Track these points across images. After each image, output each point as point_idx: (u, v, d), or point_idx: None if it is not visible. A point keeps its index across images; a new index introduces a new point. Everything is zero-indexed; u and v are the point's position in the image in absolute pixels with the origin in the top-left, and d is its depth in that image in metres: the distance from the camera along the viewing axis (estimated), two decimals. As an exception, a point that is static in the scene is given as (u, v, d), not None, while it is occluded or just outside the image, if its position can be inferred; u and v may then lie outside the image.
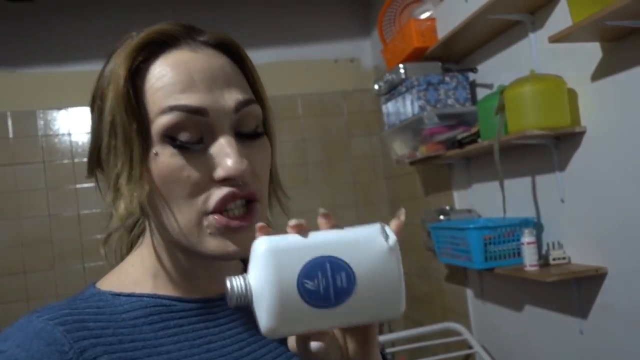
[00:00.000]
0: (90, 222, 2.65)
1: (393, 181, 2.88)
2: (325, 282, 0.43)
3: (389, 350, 2.15)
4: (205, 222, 0.53)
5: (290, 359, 0.63)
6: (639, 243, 1.34)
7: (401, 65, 2.04)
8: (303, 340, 0.45)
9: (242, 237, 0.54)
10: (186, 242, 0.55)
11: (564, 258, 1.57)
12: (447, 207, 2.17)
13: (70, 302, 0.55)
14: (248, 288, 0.44)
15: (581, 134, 1.50)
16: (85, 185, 2.66)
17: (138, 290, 0.58)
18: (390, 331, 2.77)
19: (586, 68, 1.46)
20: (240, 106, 0.54)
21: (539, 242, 1.67)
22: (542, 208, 1.70)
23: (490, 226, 1.72)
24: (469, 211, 2.05)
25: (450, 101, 1.96)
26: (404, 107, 2.09)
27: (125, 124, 0.52)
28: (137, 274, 0.59)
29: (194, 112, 0.52)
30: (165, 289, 0.59)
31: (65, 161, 2.67)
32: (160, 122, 0.52)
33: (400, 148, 2.20)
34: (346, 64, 3.01)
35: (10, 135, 2.62)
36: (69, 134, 2.68)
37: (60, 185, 2.65)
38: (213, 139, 0.53)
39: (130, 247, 0.66)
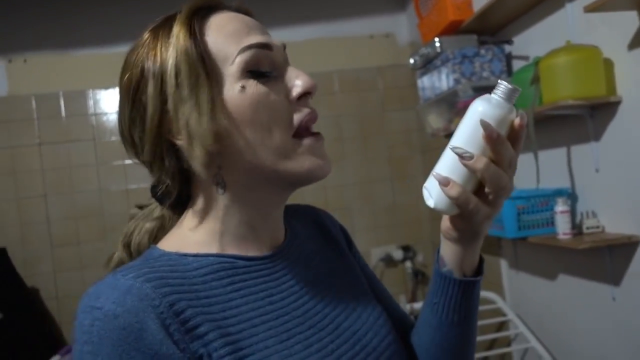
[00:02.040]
0: (137, 196, 2.79)
1: (428, 155, 2.91)
2: None
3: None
4: (297, 143, 0.62)
5: (333, 307, 0.69)
6: (673, 210, 1.36)
7: (437, 39, 2.06)
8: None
9: (326, 155, 0.65)
10: (282, 167, 0.62)
11: (597, 227, 1.60)
12: (482, 179, 2.20)
13: (144, 262, 0.60)
14: None
15: (617, 103, 1.51)
16: (132, 161, 2.80)
17: (202, 250, 0.63)
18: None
19: (623, 37, 1.46)
20: (284, 47, 0.66)
21: (573, 211, 1.70)
22: (576, 178, 1.72)
23: (524, 196, 1.75)
24: (504, 183, 2.08)
25: (485, 74, 1.98)
26: (439, 80, 2.11)
27: (192, 72, 0.59)
28: (200, 236, 0.64)
29: (264, 47, 0.62)
30: (229, 248, 0.64)
31: (114, 138, 2.80)
32: (240, 61, 0.60)
33: (435, 121, 2.23)
34: (382, 40, 3.03)
35: (63, 114, 2.77)
36: (117, 112, 2.81)
37: (110, 161, 2.80)
38: (279, 70, 0.64)
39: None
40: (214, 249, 0.64)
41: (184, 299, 0.56)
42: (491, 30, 2.06)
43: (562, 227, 1.60)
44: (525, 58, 1.92)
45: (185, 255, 0.62)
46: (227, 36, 0.61)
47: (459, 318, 0.69)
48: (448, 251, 0.68)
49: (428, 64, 2.20)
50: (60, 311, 2.72)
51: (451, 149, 0.59)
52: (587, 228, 1.60)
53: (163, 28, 0.63)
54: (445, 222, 0.66)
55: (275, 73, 0.63)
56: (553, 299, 1.91)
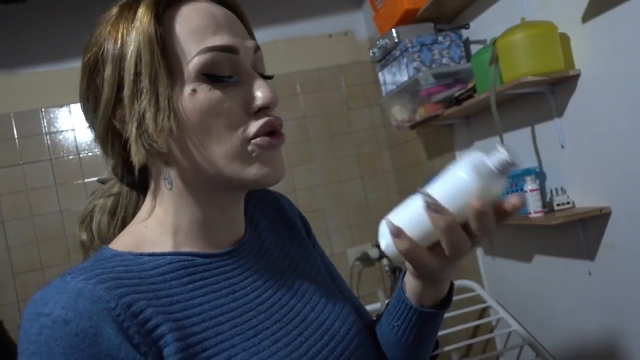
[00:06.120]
0: (101, 214, 2.69)
1: (396, 150, 2.89)
2: None
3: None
4: (249, 147, 0.57)
5: (298, 299, 0.66)
6: (640, 178, 1.36)
7: (393, 30, 2.04)
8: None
9: (280, 161, 0.60)
10: (229, 172, 0.57)
11: (568, 203, 1.59)
12: (451, 168, 2.18)
13: (95, 263, 0.55)
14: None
15: (576, 77, 1.50)
16: (93, 179, 2.70)
17: (158, 249, 0.59)
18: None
19: (576, 10, 1.46)
20: (257, 49, 0.62)
21: (542, 190, 1.69)
22: (543, 156, 1.71)
23: (493, 179, 1.73)
24: (473, 169, 2.06)
25: (445, 60, 1.97)
26: (399, 71, 2.09)
27: (153, 64, 0.54)
28: (154, 234, 0.61)
29: (227, 51, 0.56)
30: (185, 246, 0.60)
31: (71, 157, 2.71)
32: (197, 62, 0.55)
33: (399, 113, 2.21)
34: (340, 38, 3.01)
35: (16, 135, 2.66)
36: (73, 130, 2.71)
37: (69, 181, 2.69)
38: (242, 75, 0.58)
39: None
40: (168, 248, 0.60)
41: (143, 298, 0.52)
42: (447, 17, 2.06)
43: (533, 205, 1.59)
44: (483, 42, 1.92)
45: (141, 254, 0.58)
46: (191, 32, 0.55)
47: (416, 339, 0.69)
48: (408, 283, 0.67)
49: (387, 56, 2.18)
50: (28, 342, 2.59)
51: (421, 193, 0.54)
52: (558, 205, 1.59)
53: (130, 7, 0.57)
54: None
55: (236, 78, 0.57)
56: (531, 281, 1.90)
